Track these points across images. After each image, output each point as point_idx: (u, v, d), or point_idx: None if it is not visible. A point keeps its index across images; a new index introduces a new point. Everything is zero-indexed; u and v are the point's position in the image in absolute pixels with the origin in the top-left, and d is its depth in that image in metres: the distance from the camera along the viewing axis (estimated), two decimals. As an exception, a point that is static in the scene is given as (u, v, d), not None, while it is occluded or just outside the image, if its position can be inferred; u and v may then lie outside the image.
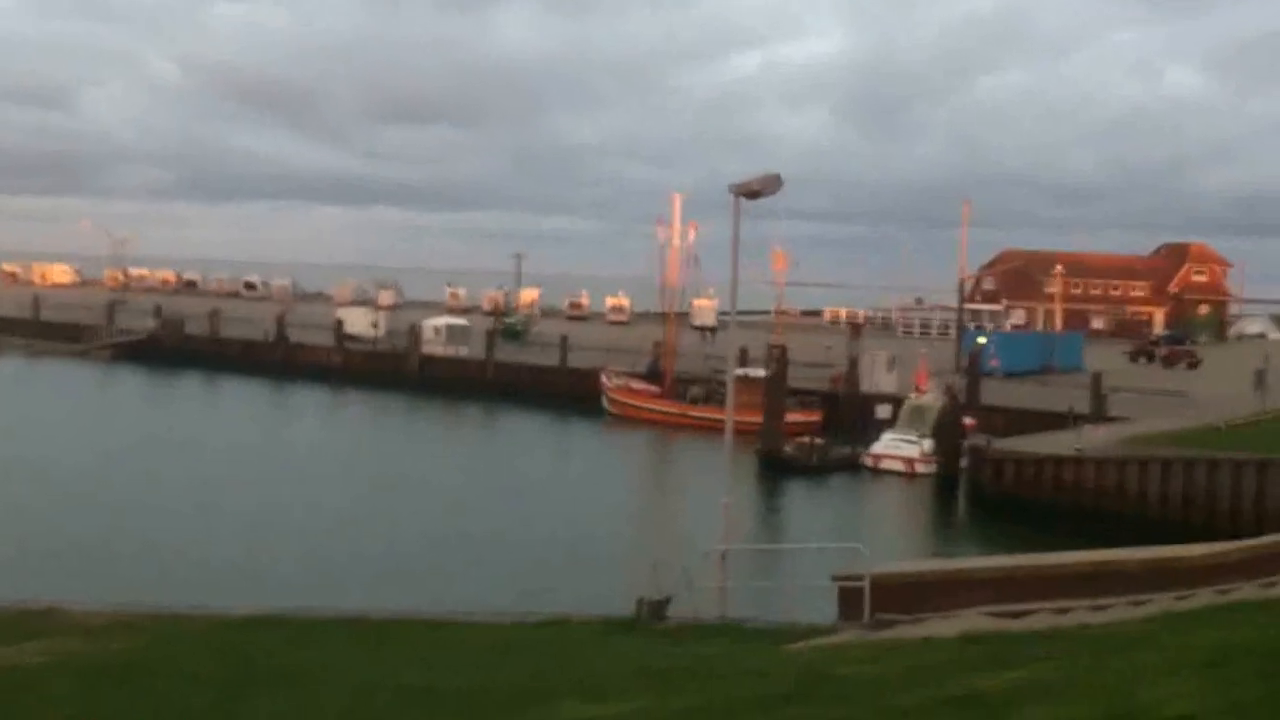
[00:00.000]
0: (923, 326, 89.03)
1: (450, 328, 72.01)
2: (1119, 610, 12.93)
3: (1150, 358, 76.82)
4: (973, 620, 12.71)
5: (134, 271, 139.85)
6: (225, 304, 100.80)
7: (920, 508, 40.61)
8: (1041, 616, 12.89)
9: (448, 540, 31.71)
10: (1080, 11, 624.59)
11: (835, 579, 14.69)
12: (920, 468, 42.92)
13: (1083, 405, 48.04)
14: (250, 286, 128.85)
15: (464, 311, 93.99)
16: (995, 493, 38.28)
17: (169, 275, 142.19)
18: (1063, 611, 13.04)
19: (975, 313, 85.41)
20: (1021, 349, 67.12)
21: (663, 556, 15.76)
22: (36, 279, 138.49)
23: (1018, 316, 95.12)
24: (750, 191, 14.60)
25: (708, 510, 37.34)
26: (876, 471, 44.45)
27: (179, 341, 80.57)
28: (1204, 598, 12.94)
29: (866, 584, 14.01)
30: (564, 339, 65.04)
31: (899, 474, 43.77)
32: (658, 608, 14.54)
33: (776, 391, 45.76)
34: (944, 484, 40.79)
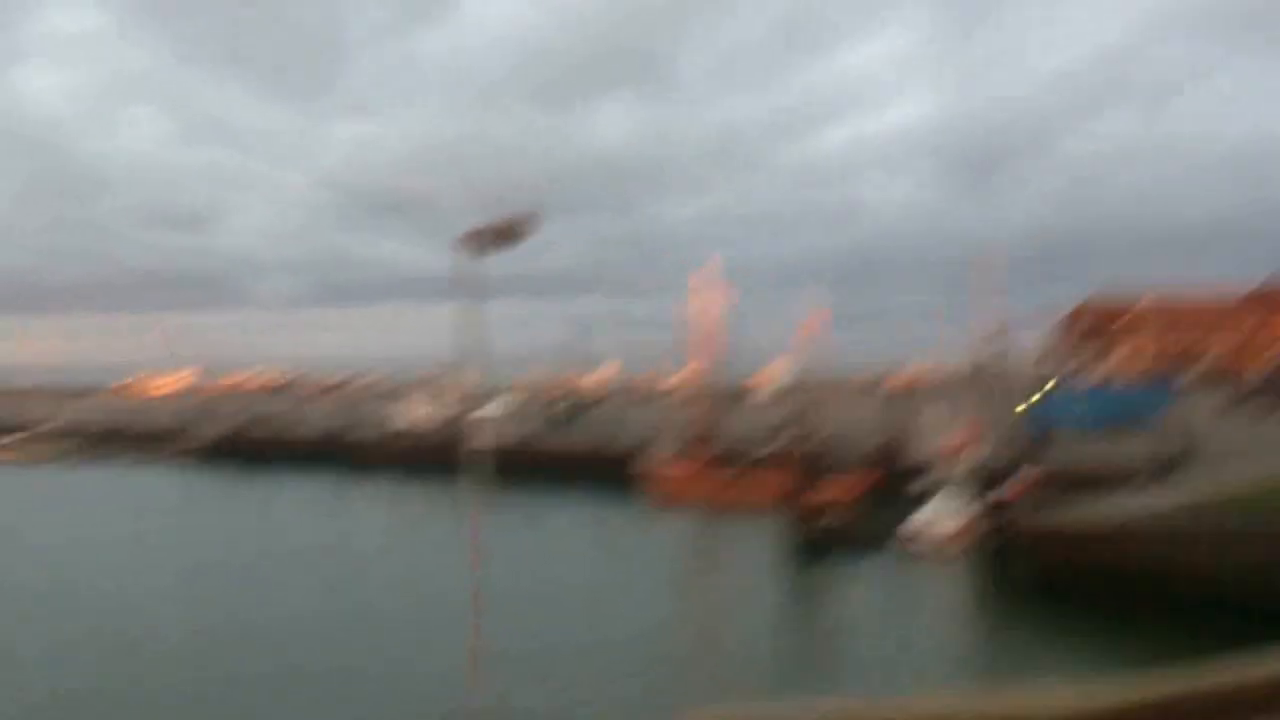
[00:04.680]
0: (1006, 386, 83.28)
1: (498, 414, 70.11)
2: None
3: (1248, 408, 70.53)
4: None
5: (237, 376, 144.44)
6: (317, 402, 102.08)
7: (955, 587, 36.22)
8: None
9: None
10: (1188, 48, 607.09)
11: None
12: (964, 541, 38.52)
13: (1158, 462, 43.34)
14: (337, 386, 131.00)
15: (537, 396, 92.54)
16: (1034, 571, 33.73)
17: (268, 378, 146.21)
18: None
19: (1059, 367, 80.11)
20: (1099, 403, 61.73)
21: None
22: (148, 389, 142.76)
23: (1104, 368, 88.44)
24: (490, 241, 11.66)
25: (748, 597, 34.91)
26: (912, 549, 40.21)
27: (251, 443, 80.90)
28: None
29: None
30: (603, 419, 62.33)
31: (940, 548, 39.46)
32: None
33: (800, 463, 41.99)
34: (984, 559, 36.30)
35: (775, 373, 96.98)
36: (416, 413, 76.66)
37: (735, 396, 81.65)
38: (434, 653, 27.04)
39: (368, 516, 57.01)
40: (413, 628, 30.74)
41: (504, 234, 12.13)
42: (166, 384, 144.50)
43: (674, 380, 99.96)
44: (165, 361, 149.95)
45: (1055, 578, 33.08)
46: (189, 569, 41.01)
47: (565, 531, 49.41)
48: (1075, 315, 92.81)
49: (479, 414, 69.85)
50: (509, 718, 11.83)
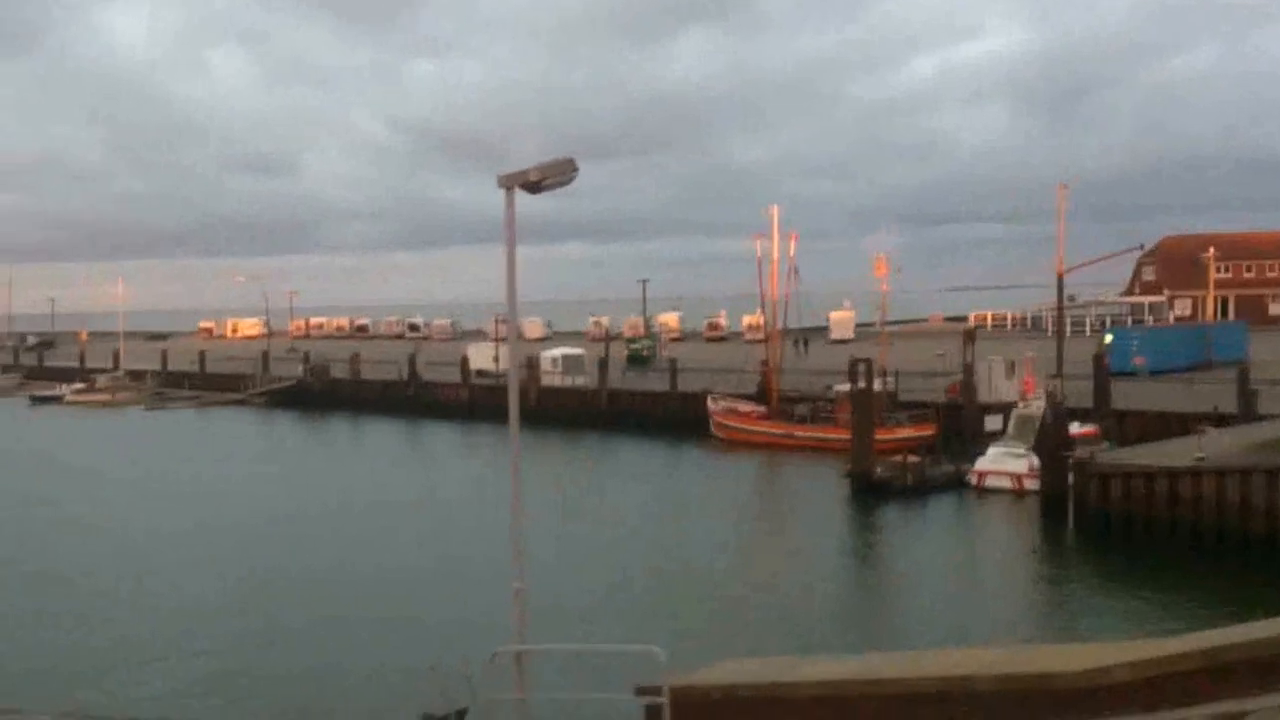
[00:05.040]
0: (1074, 325, 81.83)
1: (566, 358, 70.56)
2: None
3: None
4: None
5: (313, 321, 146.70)
6: (388, 346, 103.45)
7: (1023, 531, 35.94)
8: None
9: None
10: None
11: (639, 692, 11.47)
12: (1029, 484, 38.12)
13: (1230, 404, 42.39)
14: (414, 328, 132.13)
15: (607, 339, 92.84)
16: (1103, 511, 33.36)
17: (343, 322, 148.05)
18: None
19: (1135, 306, 78.22)
20: (1171, 344, 60.29)
21: (446, 658, 12.62)
22: (229, 333, 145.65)
23: (1182, 307, 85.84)
24: (527, 183, 11.45)
25: (800, 545, 34.94)
26: (981, 490, 39.92)
27: (325, 385, 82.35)
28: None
29: (665, 701, 10.78)
30: (673, 362, 62.34)
31: (1006, 491, 39.15)
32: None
33: (863, 407, 41.67)
34: (1051, 502, 35.89)
35: (843, 314, 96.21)
36: (484, 356, 77.12)
37: (803, 339, 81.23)
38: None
39: (442, 459, 57.85)
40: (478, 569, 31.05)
41: (540, 179, 11.74)
42: (246, 327, 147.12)
43: (743, 323, 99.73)
44: (246, 306, 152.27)
45: (1124, 519, 32.74)
46: (283, 512, 41.92)
47: (633, 472, 49.81)
48: (1154, 252, 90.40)
49: (547, 356, 70.44)
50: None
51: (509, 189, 11.40)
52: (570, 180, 11.87)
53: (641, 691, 11.47)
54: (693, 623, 25.55)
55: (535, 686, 11.79)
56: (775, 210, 56.74)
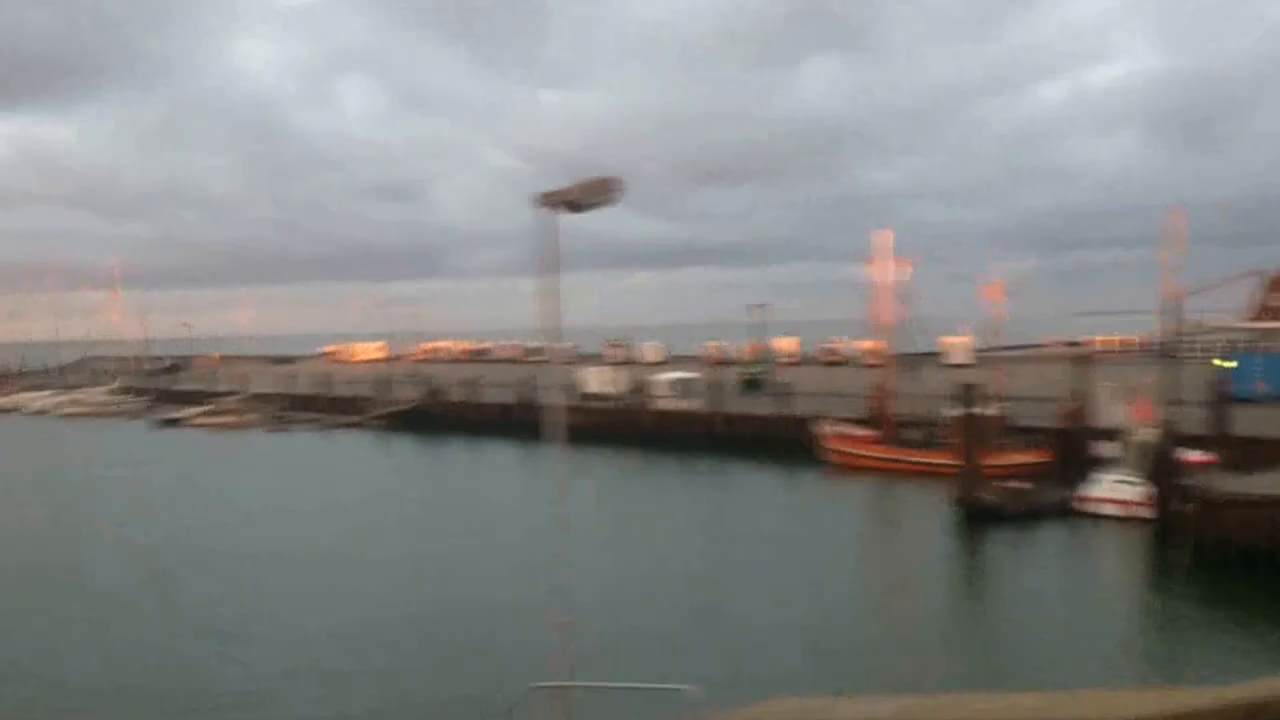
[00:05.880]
0: (1203, 350, 79.71)
1: (680, 381, 71.11)
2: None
3: None
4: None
5: (438, 344, 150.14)
6: (509, 369, 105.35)
7: (1131, 560, 35.51)
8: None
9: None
10: None
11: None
12: (1141, 511, 37.64)
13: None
14: (534, 352, 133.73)
15: (718, 364, 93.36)
16: (1216, 541, 32.88)
17: (466, 345, 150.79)
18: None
19: (1266, 333, 75.54)
20: (1289, 372, 58.48)
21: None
22: (351, 357, 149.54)
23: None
24: (568, 202, 10.96)
25: (899, 573, 34.92)
26: (1093, 517, 39.53)
27: (443, 408, 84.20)
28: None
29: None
30: (785, 387, 62.60)
31: (1116, 518, 38.71)
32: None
33: (971, 432, 41.59)
34: (1163, 531, 35.43)
35: (960, 340, 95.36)
36: (599, 380, 78.19)
37: (917, 363, 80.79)
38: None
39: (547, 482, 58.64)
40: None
41: (582, 199, 11.32)
42: (369, 351, 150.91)
43: (858, 348, 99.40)
44: (369, 330, 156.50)
45: (1234, 549, 32.23)
46: (409, 533, 43.29)
47: (738, 496, 50.17)
48: (1278, 279, 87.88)
49: (662, 380, 71.22)
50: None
51: (551, 209, 11.03)
52: (614, 200, 11.28)
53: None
54: (775, 657, 25.66)
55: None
56: (889, 235, 56.76)
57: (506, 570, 35.52)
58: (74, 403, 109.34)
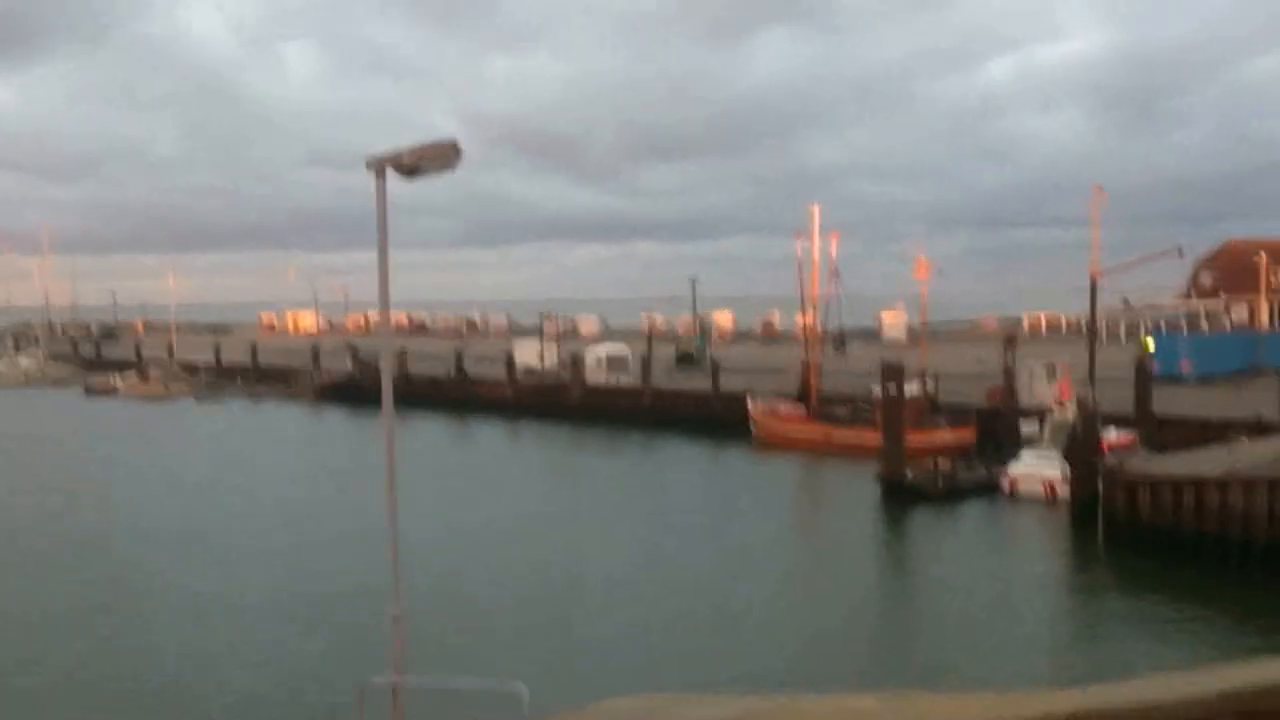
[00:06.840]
0: (1128, 329, 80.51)
1: (610, 357, 70.39)
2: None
3: None
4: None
5: (371, 316, 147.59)
6: (444, 342, 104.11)
7: (1049, 540, 35.29)
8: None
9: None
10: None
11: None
12: (1060, 491, 37.51)
13: (1274, 411, 41.46)
14: (472, 326, 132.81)
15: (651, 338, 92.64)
16: (1132, 521, 32.73)
17: (402, 318, 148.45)
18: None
19: (1191, 312, 76.63)
20: (1219, 350, 59.06)
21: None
22: (290, 327, 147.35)
23: (1239, 313, 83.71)
24: (399, 166, 9.65)
25: (817, 552, 34.44)
26: (1013, 496, 39.38)
27: (373, 380, 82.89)
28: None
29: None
30: (715, 363, 62.13)
31: (1038, 497, 38.59)
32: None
33: (893, 410, 41.26)
34: (1081, 511, 35.28)
35: (889, 318, 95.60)
36: (530, 353, 77.25)
37: (845, 341, 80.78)
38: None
39: (478, 454, 58.01)
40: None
41: (416, 164, 10.04)
42: (304, 322, 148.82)
43: (791, 324, 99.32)
44: (304, 300, 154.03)
45: (1151, 529, 32.09)
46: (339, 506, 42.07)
47: (665, 474, 49.63)
48: (1215, 257, 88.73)
49: (593, 355, 70.51)
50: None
51: (379, 172, 9.86)
52: (452, 166, 10.08)
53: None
54: (676, 641, 24.95)
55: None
56: (817, 209, 56.31)
57: (375, 555, 34.19)
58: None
